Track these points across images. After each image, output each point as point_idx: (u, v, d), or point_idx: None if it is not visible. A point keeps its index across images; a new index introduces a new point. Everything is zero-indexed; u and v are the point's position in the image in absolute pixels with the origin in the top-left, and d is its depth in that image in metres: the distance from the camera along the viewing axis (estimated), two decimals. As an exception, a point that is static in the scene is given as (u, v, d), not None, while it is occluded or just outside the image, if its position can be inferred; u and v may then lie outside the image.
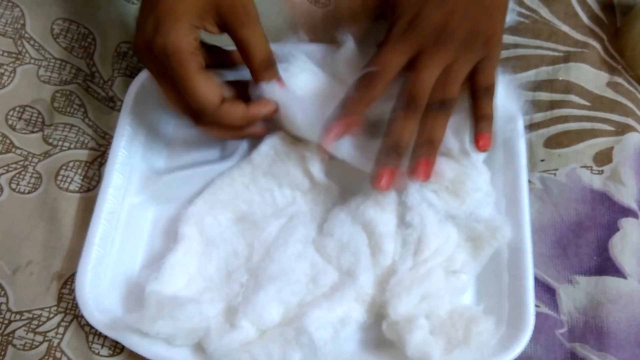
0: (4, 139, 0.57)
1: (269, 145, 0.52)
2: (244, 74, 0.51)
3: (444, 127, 0.47)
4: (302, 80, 0.52)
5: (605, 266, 0.51)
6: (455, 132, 0.49)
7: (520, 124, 0.53)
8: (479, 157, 0.51)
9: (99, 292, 0.49)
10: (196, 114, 0.48)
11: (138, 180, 0.54)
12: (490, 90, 0.49)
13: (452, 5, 0.48)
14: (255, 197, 0.53)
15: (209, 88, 0.47)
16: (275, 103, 0.50)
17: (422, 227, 0.49)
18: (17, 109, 0.59)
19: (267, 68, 0.49)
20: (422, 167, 0.46)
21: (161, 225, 0.53)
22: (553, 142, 0.56)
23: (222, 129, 0.50)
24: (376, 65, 0.48)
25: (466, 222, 0.49)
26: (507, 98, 0.51)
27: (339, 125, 0.47)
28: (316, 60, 0.55)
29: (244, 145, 0.55)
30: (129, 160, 0.54)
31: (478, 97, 0.49)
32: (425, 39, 0.48)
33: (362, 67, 0.48)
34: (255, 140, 0.53)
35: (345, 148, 0.49)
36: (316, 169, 0.51)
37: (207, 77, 0.47)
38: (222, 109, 0.48)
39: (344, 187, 0.52)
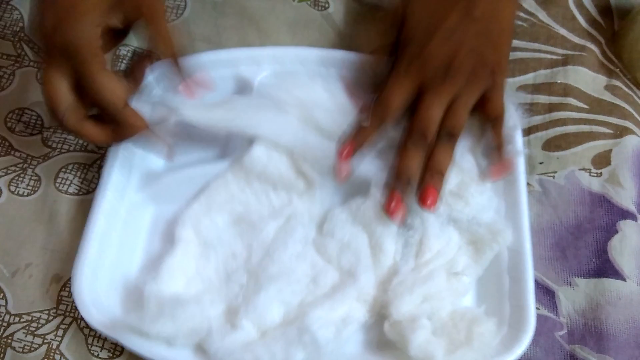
0: (3, 142, 0.57)
1: (261, 149, 0.52)
2: None
3: (451, 156, 0.49)
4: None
5: (605, 268, 0.51)
6: (467, 149, 0.51)
7: (518, 128, 0.53)
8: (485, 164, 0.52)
9: (98, 292, 0.49)
10: (57, 115, 0.48)
11: (137, 181, 0.54)
12: (499, 120, 0.50)
13: (459, 39, 0.49)
14: (251, 199, 0.53)
15: (114, 87, 0.47)
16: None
17: (423, 229, 0.49)
18: (16, 111, 0.58)
19: (176, 61, 0.49)
20: (430, 196, 0.47)
21: (160, 225, 0.53)
22: (551, 145, 0.56)
23: (119, 133, 0.49)
24: (384, 100, 0.49)
25: (468, 226, 0.49)
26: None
27: (348, 152, 0.49)
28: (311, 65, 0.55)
29: (243, 144, 0.55)
30: (128, 160, 0.54)
31: (488, 128, 0.50)
32: (432, 73, 0.48)
33: (372, 101, 0.50)
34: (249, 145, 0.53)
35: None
36: (309, 169, 0.52)
37: (111, 76, 0.47)
38: (127, 110, 0.48)
39: (338, 186, 0.52)
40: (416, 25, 0.50)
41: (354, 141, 0.49)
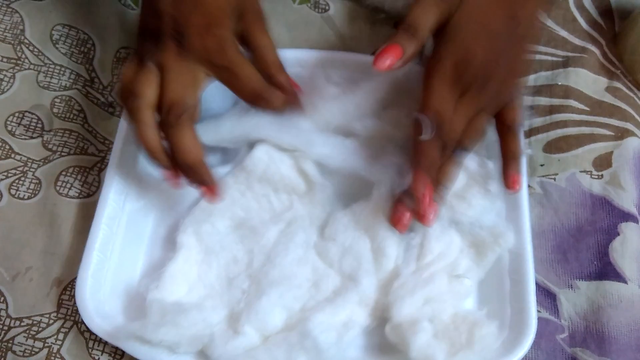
0: (4, 145, 0.57)
1: (262, 150, 0.52)
2: None
3: (458, 170, 0.48)
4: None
5: (606, 271, 0.51)
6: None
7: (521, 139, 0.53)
8: (489, 166, 0.51)
9: (100, 298, 0.49)
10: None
11: (138, 186, 0.54)
12: (517, 128, 0.48)
13: (502, 45, 0.45)
14: (252, 204, 0.53)
15: (254, 70, 0.47)
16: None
17: (424, 231, 0.49)
18: (17, 114, 0.58)
19: (281, 69, 0.49)
20: (433, 213, 0.45)
21: (161, 231, 0.53)
22: (552, 147, 0.56)
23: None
24: (432, 111, 0.44)
25: (469, 228, 0.49)
26: None
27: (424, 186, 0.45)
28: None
29: (244, 148, 0.55)
30: (130, 165, 0.54)
31: (505, 134, 0.49)
32: (470, 79, 0.45)
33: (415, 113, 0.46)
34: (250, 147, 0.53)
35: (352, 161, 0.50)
36: (310, 168, 0.52)
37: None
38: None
39: (339, 187, 0.53)
40: (459, 22, 0.45)
41: (427, 176, 0.44)
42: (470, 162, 0.51)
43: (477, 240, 0.49)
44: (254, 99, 0.48)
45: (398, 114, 0.54)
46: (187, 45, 0.45)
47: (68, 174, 0.56)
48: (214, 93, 0.50)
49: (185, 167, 0.47)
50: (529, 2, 0.46)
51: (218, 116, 0.53)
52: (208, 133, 0.52)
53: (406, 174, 0.47)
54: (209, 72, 0.46)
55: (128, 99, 0.46)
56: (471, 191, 0.50)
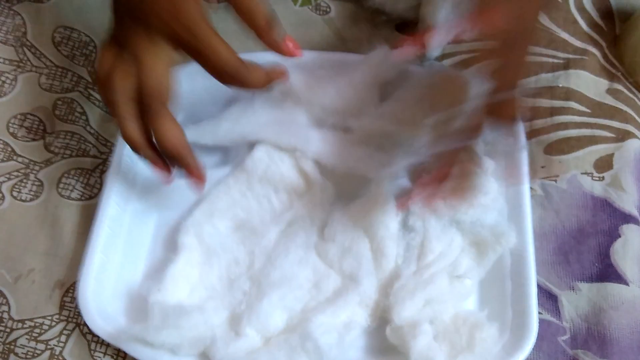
0: (6, 147, 0.57)
1: (262, 150, 0.53)
2: None
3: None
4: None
5: (607, 273, 0.51)
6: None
7: (521, 134, 0.53)
8: (488, 165, 0.51)
9: (102, 300, 0.49)
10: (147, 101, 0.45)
11: (140, 187, 0.54)
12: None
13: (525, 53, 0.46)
14: (253, 204, 0.53)
15: (227, 46, 0.44)
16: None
17: (424, 231, 0.49)
18: (19, 116, 0.59)
19: (272, 28, 0.47)
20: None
21: (163, 232, 0.53)
22: (553, 149, 0.56)
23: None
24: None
25: (470, 228, 0.49)
26: None
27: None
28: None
29: (244, 149, 0.55)
30: (131, 167, 0.54)
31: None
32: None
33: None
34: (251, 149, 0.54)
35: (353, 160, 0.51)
36: (310, 167, 0.52)
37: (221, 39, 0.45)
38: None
39: (339, 186, 0.53)
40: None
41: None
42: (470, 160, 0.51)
43: (478, 239, 0.49)
44: (230, 81, 0.46)
45: (396, 108, 0.54)
46: (156, 29, 0.44)
47: (70, 176, 0.56)
48: (205, 95, 0.51)
49: (170, 153, 0.46)
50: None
51: (214, 116, 0.53)
52: (207, 134, 0.52)
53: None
54: (181, 53, 0.45)
55: (107, 93, 0.46)
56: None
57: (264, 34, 0.46)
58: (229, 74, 0.45)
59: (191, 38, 0.44)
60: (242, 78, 0.45)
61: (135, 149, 0.47)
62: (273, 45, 0.46)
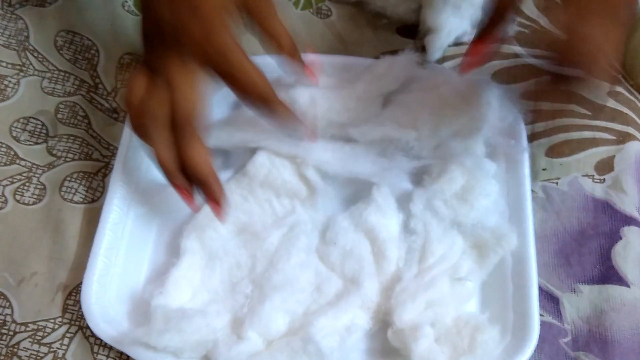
0: (8, 151, 0.57)
1: (264, 155, 0.53)
2: None
3: None
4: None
5: (609, 275, 0.51)
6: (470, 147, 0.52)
7: (523, 136, 0.53)
8: (490, 167, 0.51)
9: (105, 303, 0.49)
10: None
11: (143, 191, 0.54)
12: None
13: None
14: (255, 208, 0.53)
15: (259, 71, 0.46)
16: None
17: (425, 233, 0.49)
18: (21, 120, 0.59)
19: (296, 54, 0.49)
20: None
21: (165, 236, 0.53)
22: (554, 151, 0.56)
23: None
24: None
25: (472, 230, 0.50)
26: (503, 110, 0.52)
27: None
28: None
29: (246, 153, 0.55)
30: (134, 171, 0.54)
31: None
32: None
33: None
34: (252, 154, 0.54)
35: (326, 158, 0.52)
36: (312, 173, 0.52)
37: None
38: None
39: (341, 191, 0.53)
40: None
41: None
42: (469, 160, 0.51)
43: (480, 241, 0.50)
44: (258, 105, 0.47)
45: (397, 112, 0.54)
46: (189, 53, 0.45)
47: (73, 180, 0.56)
48: (209, 98, 0.51)
49: (198, 178, 0.47)
50: None
51: (217, 120, 0.53)
52: (208, 138, 0.52)
53: None
54: (214, 78, 0.46)
55: (143, 119, 0.46)
56: (473, 193, 0.50)
57: (289, 56, 0.48)
58: (259, 99, 0.46)
59: (224, 62, 0.45)
60: (271, 105, 0.47)
61: (168, 176, 0.47)
62: (295, 69, 0.48)
